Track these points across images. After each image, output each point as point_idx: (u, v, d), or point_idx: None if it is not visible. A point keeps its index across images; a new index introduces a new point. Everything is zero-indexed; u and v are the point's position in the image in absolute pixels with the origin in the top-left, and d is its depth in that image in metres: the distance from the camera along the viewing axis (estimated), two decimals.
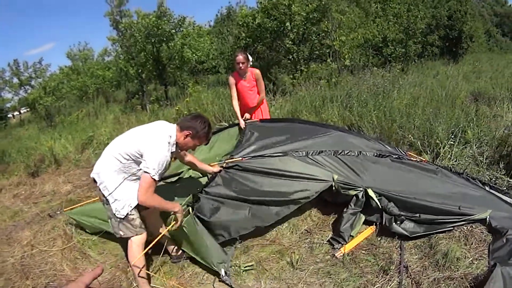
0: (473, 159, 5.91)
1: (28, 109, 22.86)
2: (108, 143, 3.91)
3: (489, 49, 38.64)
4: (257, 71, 6.37)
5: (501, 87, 11.01)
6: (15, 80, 24.83)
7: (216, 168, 4.56)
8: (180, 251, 4.41)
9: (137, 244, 3.71)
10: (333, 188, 4.53)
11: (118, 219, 3.61)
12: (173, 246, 4.43)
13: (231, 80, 6.42)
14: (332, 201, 4.89)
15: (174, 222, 3.89)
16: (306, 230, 4.72)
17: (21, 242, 5.48)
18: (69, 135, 11.47)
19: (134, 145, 3.52)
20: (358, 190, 4.48)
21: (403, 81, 11.02)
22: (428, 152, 6.31)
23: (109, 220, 3.75)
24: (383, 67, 15.56)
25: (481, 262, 3.55)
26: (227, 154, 5.20)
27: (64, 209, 5.65)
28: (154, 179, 3.42)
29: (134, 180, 3.66)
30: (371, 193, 4.42)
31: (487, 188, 4.68)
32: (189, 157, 4.36)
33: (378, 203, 4.36)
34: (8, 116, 28.62)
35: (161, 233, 3.97)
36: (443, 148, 6.13)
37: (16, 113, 30.12)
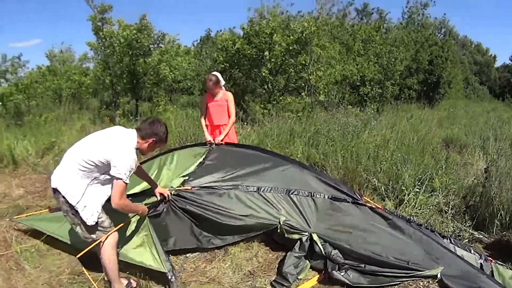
0: (438, 208, 5.81)
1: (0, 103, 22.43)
2: None
3: (466, 96, 39.37)
4: (230, 94, 6.58)
5: (474, 135, 11.07)
6: None
7: (164, 192, 4.64)
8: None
9: (110, 246, 3.76)
10: (278, 231, 4.55)
11: (87, 226, 3.64)
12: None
13: (203, 98, 6.69)
14: (280, 242, 4.81)
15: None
16: (249, 271, 4.54)
17: None
18: (32, 137, 11.11)
19: (98, 153, 3.59)
20: (302, 234, 4.47)
21: (375, 122, 10.93)
22: (392, 199, 6.21)
23: (75, 228, 3.72)
24: (358, 106, 15.61)
25: None
26: (185, 175, 5.24)
27: (16, 217, 5.58)
28: (126, 183, 3.59)
29: (96, 184, 3.72)
30: (315, 237, 4.37)
31: (445, 241, 4.56)
32: (140, 169, 4.44)
33: (322, 249, 4.29)
34: None
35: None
36: (408, 195, 6.02)
37: None
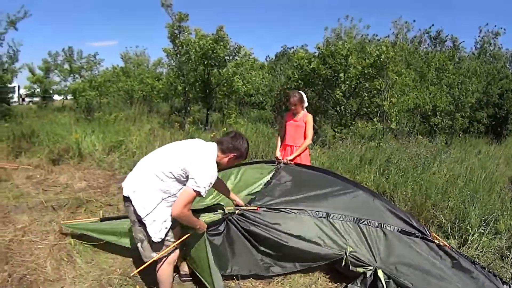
0: (500, 252, 5.61)
1: (72, 97, 23.35)
2: (136, 152, 3.91)
3: None
4: (310, 116, 6.49)
5: None
6: (66, 66, 25.53)
7: (240, 203, 4.52)
8: (189, 270, 4.38)
9: (169, 262, 3.70)
10: (343, 261, 4.33)
11: (152, 242, 3.52)
12: (183, 264, 4.38)
13: (284, 116, 6.75)
14: (342, 271, 4.61)
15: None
16: None
17: (16, 224, 5.51)
18: (101, 133, 11.60)
19: (179, 164, 3.47)
20: (367, 268, 4.30)
21: (445, 156, 10.70)
22: (456, 237, 6.03)
23: (137, 243, 3.65)
24: (428, 136, 15.31)
25: None
26: (250, 194, 5.13)
27: (62, 222, 5.57)
28: (198, 195, 3.42)
29: (173, 199, 3.53)
30: (380, 274, 4.21)
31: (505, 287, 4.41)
32: (220, 181, 4.31)
33: (385, 286, 4.13)
34: (54, 98, 29.18)
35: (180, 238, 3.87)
36: (472, 235, 5.81)
37: (60, 97, 30.55)
